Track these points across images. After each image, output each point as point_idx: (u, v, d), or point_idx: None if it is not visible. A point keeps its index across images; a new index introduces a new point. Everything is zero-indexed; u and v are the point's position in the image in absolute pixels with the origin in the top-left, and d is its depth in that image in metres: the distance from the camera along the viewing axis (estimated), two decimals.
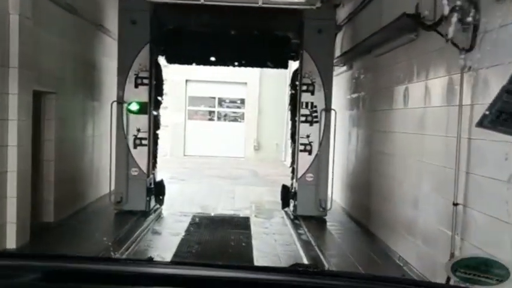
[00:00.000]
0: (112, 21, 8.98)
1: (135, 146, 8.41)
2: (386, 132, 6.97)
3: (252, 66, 9.72)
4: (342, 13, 9.38)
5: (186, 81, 20.22)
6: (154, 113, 8.76)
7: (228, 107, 20.81)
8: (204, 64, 9.24)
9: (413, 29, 5.86)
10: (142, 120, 8.41)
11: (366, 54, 8.16)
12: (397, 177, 6.43)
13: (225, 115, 20.76)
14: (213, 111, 20.62)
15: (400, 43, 6.46)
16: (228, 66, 9.29)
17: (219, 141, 19.87)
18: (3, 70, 5.72)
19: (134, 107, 8.34)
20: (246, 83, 20.13)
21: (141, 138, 8.41)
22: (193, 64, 10.01)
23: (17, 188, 5.88)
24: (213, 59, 9.16)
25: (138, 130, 8.40)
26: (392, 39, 6.69)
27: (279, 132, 19.56)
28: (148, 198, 8.51)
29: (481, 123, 2.22)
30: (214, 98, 20.49)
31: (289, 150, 14.88)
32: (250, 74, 19.48)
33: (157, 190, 8.93)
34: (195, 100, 20.55)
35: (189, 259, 5.98)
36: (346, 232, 7.93)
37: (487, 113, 2.04)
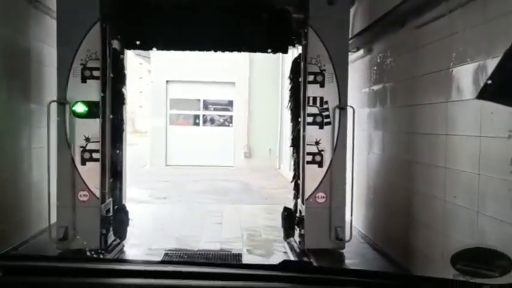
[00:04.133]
0: None
1: (83, 162, 6.13)
2: (439, 135, 4.78)
3: (240, 50, 7.37)
4: None
5: (167, 81, 18.07)
6: (112, 115, 6.53)
7: (214, 109, 18.59)
8: (175, 49, 6.93)
9: None
10: (93, 126, 6.13)
11: (396, 30, 6.00)
12: (467, 204, 4.23)
13: (212, 119, 18.52)
14: (198, 115, 18.40)
15: (461, 2, 4.31)
16: (208, 51, 6.92)
17: (205, 148, 17.68)
18: None
19: (81, 108, 6.07)
20: (234, 83, 17.99)
21: (91, 151, 6.13)
22: (158, 49, 7.66)
23: None
24: (186, 41, 6.81)
25: (87, 140, 6.13)
26: None
27: (272, 135, 17.48)
28: (104, 231, 6.25)
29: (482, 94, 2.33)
30: (199, 100, 18.31)
31: (285, 156, 12.49)
32: (239, 73, 17.54)
33: (117, 219, 6.68)
34: (178, 103, 18.33)
35: None
36: None
37: (489, 82, 1.91)
